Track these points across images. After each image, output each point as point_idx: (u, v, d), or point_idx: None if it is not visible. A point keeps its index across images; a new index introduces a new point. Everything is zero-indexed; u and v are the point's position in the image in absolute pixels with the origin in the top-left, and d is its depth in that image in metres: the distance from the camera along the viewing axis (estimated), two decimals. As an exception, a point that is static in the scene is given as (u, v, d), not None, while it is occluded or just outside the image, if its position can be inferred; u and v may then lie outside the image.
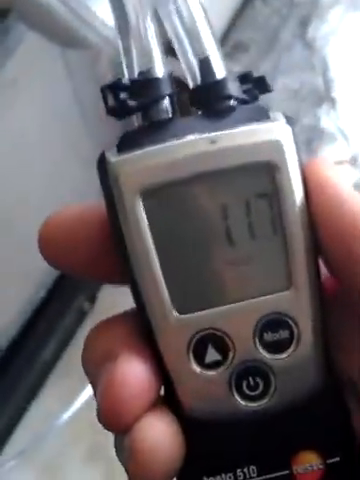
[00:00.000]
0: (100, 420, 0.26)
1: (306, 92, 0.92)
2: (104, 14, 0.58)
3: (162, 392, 0.28)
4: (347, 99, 0.92)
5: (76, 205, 0.27)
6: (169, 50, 0.27)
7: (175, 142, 0.25)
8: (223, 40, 0.90)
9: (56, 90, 0.76)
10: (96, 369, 0.26)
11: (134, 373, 0.26)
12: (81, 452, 0.72)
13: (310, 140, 0.92)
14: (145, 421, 0.26)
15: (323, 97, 0.93)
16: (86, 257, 0.27)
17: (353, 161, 0.91)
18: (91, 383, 0.27)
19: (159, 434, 0.26)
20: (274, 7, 0.90)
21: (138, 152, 0.25)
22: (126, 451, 0.26)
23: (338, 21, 0.94)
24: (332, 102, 0.92)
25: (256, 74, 0.27)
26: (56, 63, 0.74)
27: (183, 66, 0.27)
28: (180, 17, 0.27)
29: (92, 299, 0.78)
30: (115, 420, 0.25)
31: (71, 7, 0.55)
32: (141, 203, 0.25)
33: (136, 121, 0.27)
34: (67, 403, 0.72)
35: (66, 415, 0.71)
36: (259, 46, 0.92)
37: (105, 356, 0.26)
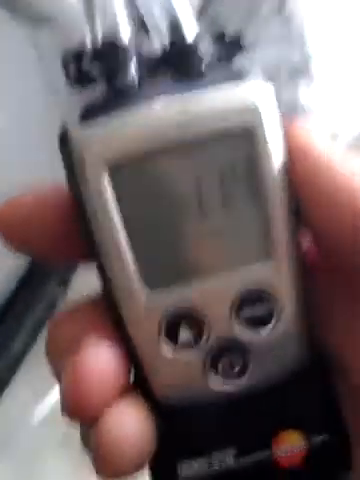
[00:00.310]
0: (65, 412, 0.25)
1: (285, 67, 0.91)
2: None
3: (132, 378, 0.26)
4: (325, 75, 0.91)
5: (34, 190, 0.26)
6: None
7: (142, 110, 0.24)
8: (201, 14, 0.89)
9: (27, 76, 0.74)
10: (60, 358, 0.25)
11: (100, 360, 0.24)
12: (56, 441, 0.71)
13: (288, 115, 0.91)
14: (112, 411, 0.24)
15: (302, 72, 0.92)
16: (48, 238, 0.25)
17: (333, 137, 0.90)
18: (55, 374, 0.26)
19: (128, 424, 0.24)
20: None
21: (103, 123, 0.23)
22: (92, 443, 0.24)
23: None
24: (310, 78, 0.91)
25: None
26: (26, 49, 0.72)
27: (150, 29, 0.25)
28: None
29: (64, 284, 0.76)
30: (80, 411, 0.24)
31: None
32: (107, 177, 0.24)
33: (100, 91, 0.25)
34: (39, 394, 0.71)
35: (39, 406, 0.70)
36: (237, 20, 0.91)
37: (69, 344, 0.25)
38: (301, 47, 0.92)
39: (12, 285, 0.76)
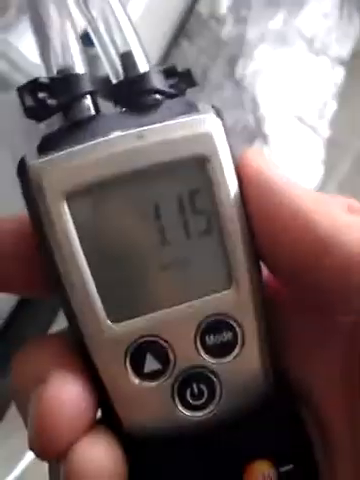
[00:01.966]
0: (32, 448, 0.24)
1: (239, 129, 0.93)
2: (30, 52, 0.57)
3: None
4: (279, 133, 0.93)
5: None
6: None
7: (99, 140, 0.24)
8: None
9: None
10: (26, 393, 0.24)
11: (67, 394, 0.24)
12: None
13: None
14: (81, 445, 0.24)
15: (255, 133, 0.93)
16: (8, 269, 0.25)
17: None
18: (20, 410, 0.25)
19: (97, 457, 0.24)
20: (201, 46, 0.91)
21: (60, 153, 0.24)
22: (61, 479, 0.23)
23: (265, 58, 0.95)
24: (264, 138, 0.93)
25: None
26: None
27: (104, 62, 0.26)
28: (100, 12, 0.26)
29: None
30: (48, 447, 0.23)
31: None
32: (66, 206, 0.24)
33: (57, 123, 0.25)
34: (9, 467, 0.69)
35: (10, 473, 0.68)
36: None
37: (35, 378, 0.24)
38: (253, 109, 0.94)
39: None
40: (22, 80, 0.58)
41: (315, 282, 0.24)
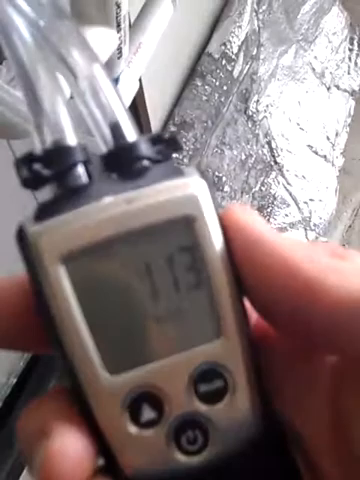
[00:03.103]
0: None
1: (253, 162, 0.95)
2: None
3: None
4: (293, 164, 0.94)
5: None
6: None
7: (92, 206, 0.25)
8: (168, 118, 0.92)
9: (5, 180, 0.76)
10: (32, 447, 0.26)
11: (69, 446, 0.25)
12: None
13: (262, 207, 0.93)
14: None
15: (270, 165, 0.95)
16: (8, 328, 0.26)
17: (305, 222, 0.92)
18: (27, 463, 0.26)
19: None
20: (214, 85, 0.93)
21: (55, 219, 0.25)
22: None
23: (277, 93, 0.97)
24: (279, 169, 0.94)
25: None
26: (5, 153, 0.75)
27: (94, 133, 0.27)
28: (89, 86, 0.27)
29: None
30: None
31: (7, 103, 0.56)
32: (63, 269, 0.25)
33: (52, 191, 0.27)
34: None
35: None
36: (203, 123, 0.95)
37: (40, 432, 0.25)
38: (267, 141, 0.96)
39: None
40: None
41: (305, 326, 0.25)
